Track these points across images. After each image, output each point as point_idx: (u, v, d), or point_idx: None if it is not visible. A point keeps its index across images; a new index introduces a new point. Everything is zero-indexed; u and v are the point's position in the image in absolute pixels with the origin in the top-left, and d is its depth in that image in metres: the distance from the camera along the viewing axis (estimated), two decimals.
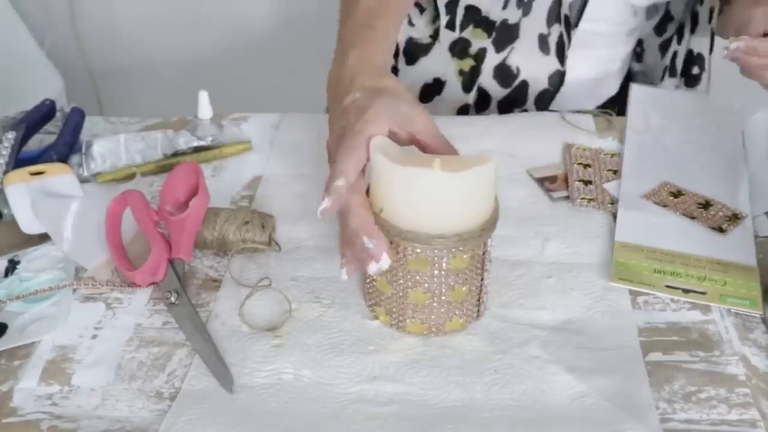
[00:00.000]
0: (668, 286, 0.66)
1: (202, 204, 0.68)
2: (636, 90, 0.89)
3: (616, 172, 0.78)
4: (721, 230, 0.71)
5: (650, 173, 0.78)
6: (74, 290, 0.66)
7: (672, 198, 0.75)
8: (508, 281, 0.67)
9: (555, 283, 0.67)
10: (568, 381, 0.58)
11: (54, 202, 0.72)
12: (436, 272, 0.59)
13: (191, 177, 0.70)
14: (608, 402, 0.57)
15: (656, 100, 0.88)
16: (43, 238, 0.71)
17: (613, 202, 0.75)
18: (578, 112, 0.88)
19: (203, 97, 0.86)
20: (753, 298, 0.64)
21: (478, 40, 0.92)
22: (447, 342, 0.62)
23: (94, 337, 0.63)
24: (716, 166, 0.79)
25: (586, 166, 0.79)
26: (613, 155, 0.81)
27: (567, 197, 0.76)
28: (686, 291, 0.65)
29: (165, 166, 0.81)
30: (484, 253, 0.60)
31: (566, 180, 0.78)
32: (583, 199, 0.75)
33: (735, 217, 0.72)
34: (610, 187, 0.76)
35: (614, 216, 0.73)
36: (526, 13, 0.89)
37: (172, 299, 0.64)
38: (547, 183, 0.77)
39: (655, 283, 0.66)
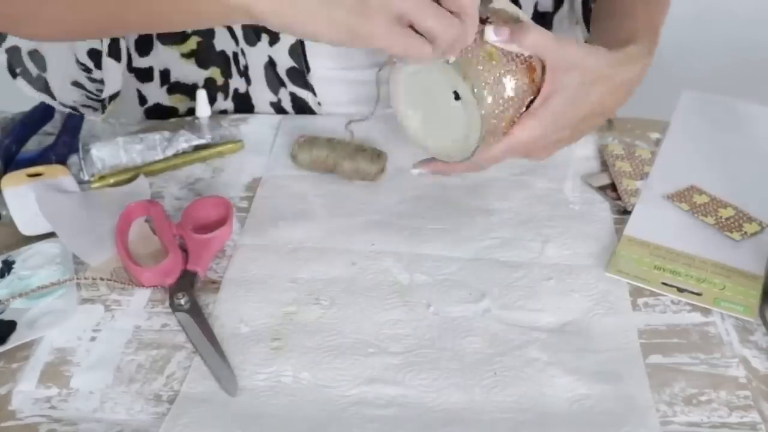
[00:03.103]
0: (664, 284, 0.66)
1: (228, 232, 0.71)
2: (686, 96, 0.89)
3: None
4: (735, 237, 0.71)
5: (679, 176, 0.78)
6: (78, 284, 0.66)
7: (695, 201, 0.74)
8: (508, 283, 0.67)
9: (555, 284, 0.67)
10: (568, 383, 0.58)
11: (58, 197, 0.72)
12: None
13: (220, 208, 0.72)
14: (608, 404, 0.57)
15: (707, 106, 0.88)
16: (40, 239, 0.71)
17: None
18: None
19: (201, 95, 0.86)
20: (749, 306, 0.64)
21: None
22: (446, 344, 0.61)
23: (93, 339, 0.63)
24: (751, 176, 0.78)
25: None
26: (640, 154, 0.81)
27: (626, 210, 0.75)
28: (681, 290, 0.65)
29: (167, 166, 0.81)
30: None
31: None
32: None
33: (754, 227, 0.72)
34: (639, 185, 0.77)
35: (620, 215, 0.74)
36: None
37: (182, 302, 0.64)
38: (608, 191, 0.77)
39: (651, 279, 0.66)
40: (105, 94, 0.86)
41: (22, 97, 0.88)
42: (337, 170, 0.78)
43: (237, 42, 0.86)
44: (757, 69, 1.63)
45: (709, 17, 1.69)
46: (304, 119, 0.88)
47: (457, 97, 0.61)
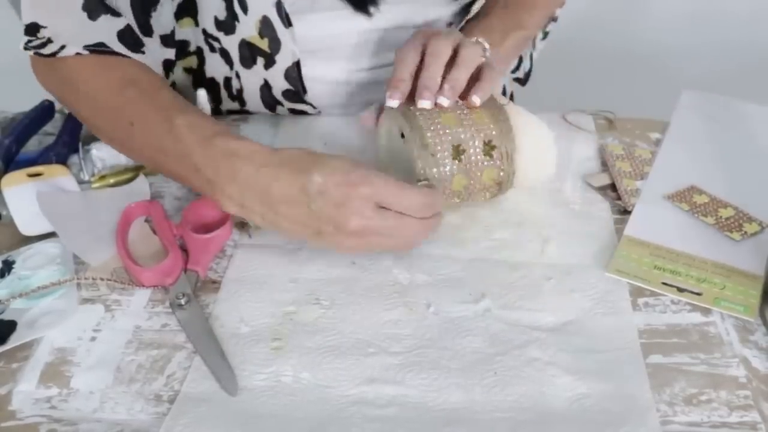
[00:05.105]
0: (664, 284, 0.66)
1: (228, 232, 0.71)
2: (686, 96, 0.89)
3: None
4: (735, 237, 0.71)
5: (679, 176, 0.78)
6: (78, 284, 0.67)
7: (695, 201, 0.74)
8: (509, 283, 0.67)
9: (555, 284, 0.67)
10: (568, 383, 0.58)
11: (58, 197, 0.72)
12: None
13: (220, 208, 0.71)
14: (608, 404, 0.57)
15: (707, 105, 0.88)
16: (41, 239, 0.71)
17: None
18: (578, 111, 0.88)
19: (201, 95, 0.86)
20: (749, 305, 0.64)
21: None
22: (447, 343, 0.62)
23: (93, 339, 0.63)
24: (751, 176, 0.78)
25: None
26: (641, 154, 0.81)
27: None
28: (681, 290, 0.65)
29: None
30: None
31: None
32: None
33: (754, 227, 0.72)
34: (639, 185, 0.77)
35: (621, 215, 0.74)
36: None
37: (182, 302, 0.64)
38: (608, 191, 0.77)
39: (651, 279, 0.66)
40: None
41: (22, 97, 0.88)
42: None
43: (232, 66, 0.86)
44: (756, 69, 1.64)
45: (709, 18, 1.69)
46: (304, 119, 0.88)
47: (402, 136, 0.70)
